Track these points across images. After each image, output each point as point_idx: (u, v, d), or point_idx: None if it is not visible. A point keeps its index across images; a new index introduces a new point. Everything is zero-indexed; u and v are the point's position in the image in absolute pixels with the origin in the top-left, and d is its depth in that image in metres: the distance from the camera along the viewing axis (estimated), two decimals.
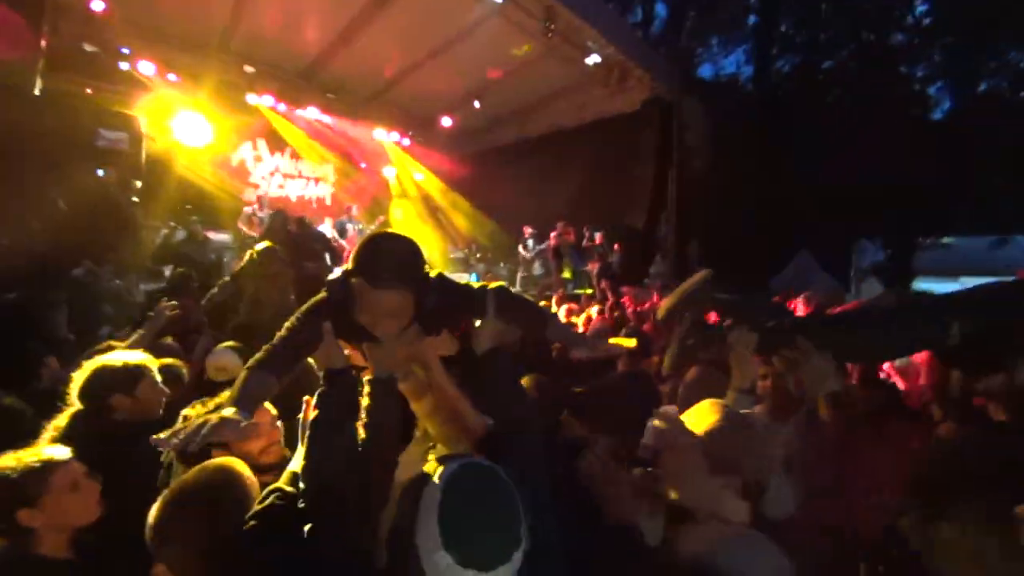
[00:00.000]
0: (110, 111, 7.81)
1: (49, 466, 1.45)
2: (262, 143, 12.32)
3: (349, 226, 8.74)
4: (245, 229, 7.44)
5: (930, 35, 16.54)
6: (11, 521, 1.39)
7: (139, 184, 5.38)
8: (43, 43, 6.19)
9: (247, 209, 7.67)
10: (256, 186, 11.85)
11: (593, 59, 10.57)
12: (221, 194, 8.37)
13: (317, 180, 13.39)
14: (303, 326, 1.39)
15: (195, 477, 1.35)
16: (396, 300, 1.33)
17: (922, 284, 14.65)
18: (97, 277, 4.27)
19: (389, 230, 2.66)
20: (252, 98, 11.43)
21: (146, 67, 10.54)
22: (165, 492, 1.31)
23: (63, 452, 1.48)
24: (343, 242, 8.56)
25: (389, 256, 1.34)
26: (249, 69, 11.60)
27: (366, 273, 1.32)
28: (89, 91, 9.66)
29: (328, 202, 12.81)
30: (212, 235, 8.30)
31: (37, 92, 5.76)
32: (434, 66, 11.90)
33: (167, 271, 5.46)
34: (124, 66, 10.23)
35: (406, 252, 1.37)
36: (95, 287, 4.22)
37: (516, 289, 11.31)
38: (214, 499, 1.29)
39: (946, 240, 14.95)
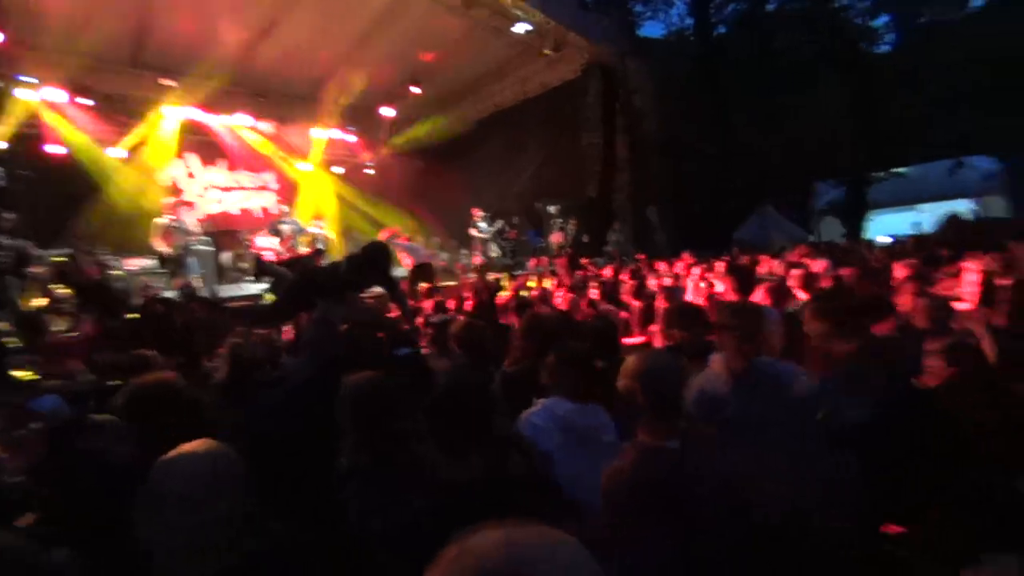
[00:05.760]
0: None
1: None
2: (193, 158, 11.75)
3: (283, 227, 8.35)
4: (161, 245, 6.84)
5: None
6: None
7: (11, 216, 4.94)
8: None
9: (160, 221, 6.94)
10: (192, 204, 11.33)
11: (522, 27, 10.20)
12: (143, 218, 7.85)
13: (259, 189, 12.86)
14: None
15: None
16: None
17: (880, 216, 14.74)
18: None
19: None
20: (174, 111, 10.86)
21: (56, 95, 9.95)
22: None
23: None
24: (278, 247, 8.19)
25: None
26: (167, 82, 11.02)
27: None
28: None
29: (274, 210, 12.31)
30: (137, 262, 7.85)
31: None
32: (363, 55, 11.43)
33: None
34: (31, 96, 9.64)
35: None
36: None
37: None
38: None
39: (901, 170, 15.00)
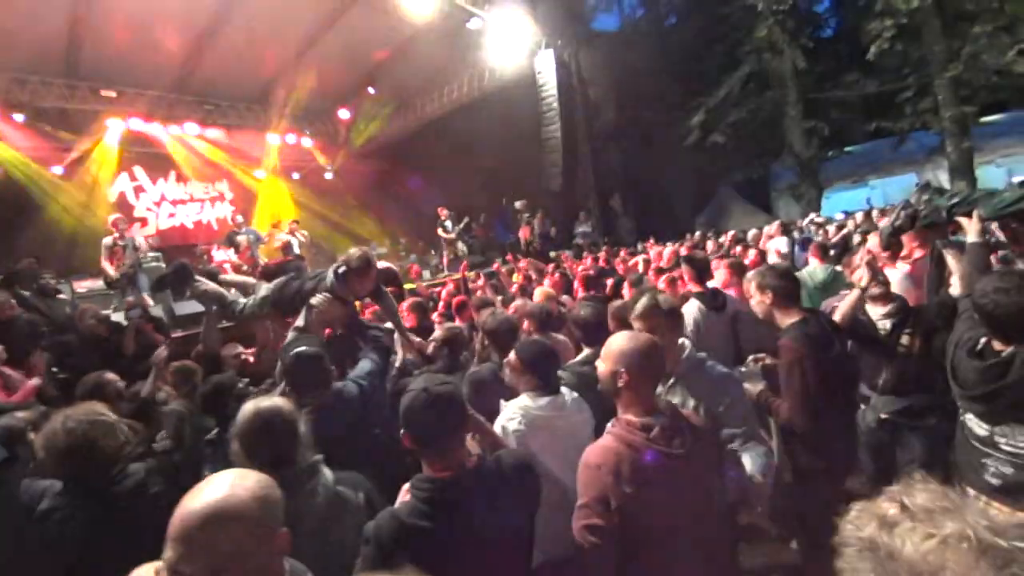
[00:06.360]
0: None
1: None
2: (140, 171, 11.24)
3: (240, 238, 8.02)
4: (106, 266, 6.43)
5: None
6: None
7: None
8: None
9: (106, 240, 6.40)
10: (144, 220, 10.85)
11: (475, 23, 10.12)
12: (89, 237, 7.41)
13: (213, 200, 12.40)
14: None
15: None
16: None
17: (834, 192, 15.23)
18: None
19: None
20: (116, 123, 10.36)
21: None
22: None
23: None
24: (234, 258, 7.88)
25: None
26: (108, 92, 10.50)
27: None
28: None
29: (230, 221, 11.92)
30: (89, 284, 7.46)
31: None
32: (313, 56, 11.15)
33: None
34: None
35: None
36: None
37: (445, 272, 10.98)
38: None
39: (849, 148, 15.52)
